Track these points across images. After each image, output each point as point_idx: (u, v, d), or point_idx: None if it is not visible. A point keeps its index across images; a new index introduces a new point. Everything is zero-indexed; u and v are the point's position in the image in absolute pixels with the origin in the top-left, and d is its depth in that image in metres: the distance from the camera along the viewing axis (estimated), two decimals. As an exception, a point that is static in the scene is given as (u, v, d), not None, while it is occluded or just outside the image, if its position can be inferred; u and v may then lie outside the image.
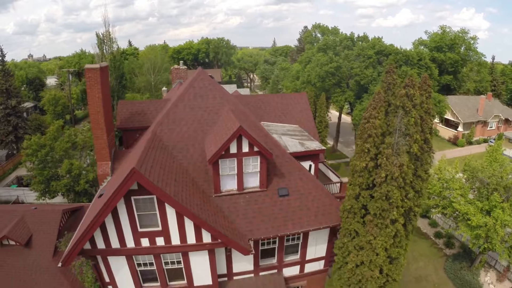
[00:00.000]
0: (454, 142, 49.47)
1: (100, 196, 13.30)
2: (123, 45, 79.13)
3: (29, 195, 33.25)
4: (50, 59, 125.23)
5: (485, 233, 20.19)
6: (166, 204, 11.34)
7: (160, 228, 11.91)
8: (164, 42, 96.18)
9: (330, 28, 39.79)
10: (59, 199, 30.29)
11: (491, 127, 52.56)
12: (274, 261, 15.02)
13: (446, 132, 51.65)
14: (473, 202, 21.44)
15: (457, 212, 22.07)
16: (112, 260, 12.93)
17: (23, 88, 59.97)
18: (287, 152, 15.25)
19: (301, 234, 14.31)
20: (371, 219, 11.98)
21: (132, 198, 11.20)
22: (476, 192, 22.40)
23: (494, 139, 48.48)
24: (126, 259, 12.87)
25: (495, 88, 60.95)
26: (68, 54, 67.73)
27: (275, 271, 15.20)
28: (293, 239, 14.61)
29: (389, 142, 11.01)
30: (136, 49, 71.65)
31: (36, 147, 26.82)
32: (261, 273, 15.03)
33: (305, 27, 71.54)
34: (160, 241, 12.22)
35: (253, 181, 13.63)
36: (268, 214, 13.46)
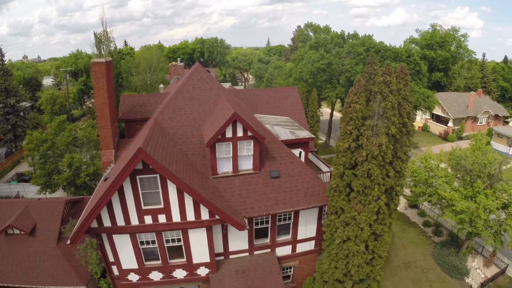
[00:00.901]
0: (444, 137, 51.01)
1: (106, 179, 14.46)
2: (119, 45, 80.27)
3: (29, 191, 34.23)
4: (44, 60, 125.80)
5: (469, 217, 21.47)
6: (168, 183, 12.56)
7: (162, 206, 13.11)
8: (159, 42, 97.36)
9: (322, 27, 41.25)
10: (59, 193, 31.28)
11: (481, 122, 54.20)
12: (267, 240, 16.25)
13: (436, 128, 53.20)
14: (457, 190, 22.77)
15: (443, 200, 23.39)
16: (117, 238, 14.05)
17: (20, 88, 60.75)
18: (278, 139, 16.51)
19: (292, 213, 15.58)
20: (355, 196, 13.26)
21: (137, 177, 12.40)
22: (460, 180, 23.76)
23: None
24: (130, 237, 14.01)
25: (485, 85, 62.64)
26: (63, 55, 68.92)
27: (269, 250, 16.44)
28: (284, 219, 15.87)
29: (369, 124, 12.31)
30: (131, 49, 72.85)
31: (38, 142, 27.85)
32: (255, 252, 16.26)
33: (299, 26, 73.06)
34: (162, 218, 13.42)
35: (247, 164, 14.89)
36: (261, 194, 14.72)
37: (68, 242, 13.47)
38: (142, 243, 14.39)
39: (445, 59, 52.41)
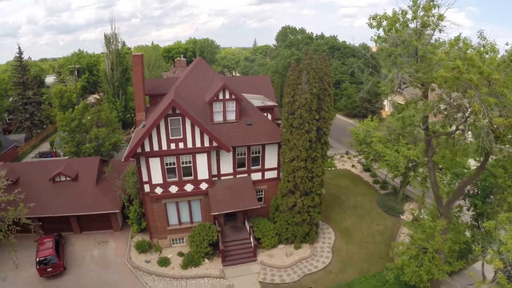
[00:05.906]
0: (409, 124, 62.50)
1: (144, 126, 25.15)
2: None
3: (55, 165, 44.35)
4: (35, 61, 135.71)
5: (394, 163, 32.34)
6: (186, 122, 23.37)
7: (181, 137, 23.92)
8: (153, 43, 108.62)
9: (298, 29, 52.62)
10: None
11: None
12: (245, 168, 27.10)
13: (401, 116, 64.79)
14: (388, 146, 33.88)
15: (379, 155, 34.39)
16: (151, 160, 24.64)
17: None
18: (252, 104, 27.49)
19: (260, 147, 26.51)
20: (295, 130, 24.16)
21: (168, 118, 23.20)
22: (392, 141, 34.87)
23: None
24: (159, 160, 24.65)
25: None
26: (53, 56, 78.65)
27: (246, 175, 27.29)
28: (256, 152, 26.76)
29: (300, 88, 23.31)
30: (129, 48, 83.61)
31: (68, 120, 38.19)
32: (237, 176, 27.09)
33: (283, 27, 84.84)
34: (181, 145, 24.20)
35: (231, 116, 25.88)
36: (241, 134, 25.64)
37: (122, 159, 24.00)
38: (167, 164, 25.03)
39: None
